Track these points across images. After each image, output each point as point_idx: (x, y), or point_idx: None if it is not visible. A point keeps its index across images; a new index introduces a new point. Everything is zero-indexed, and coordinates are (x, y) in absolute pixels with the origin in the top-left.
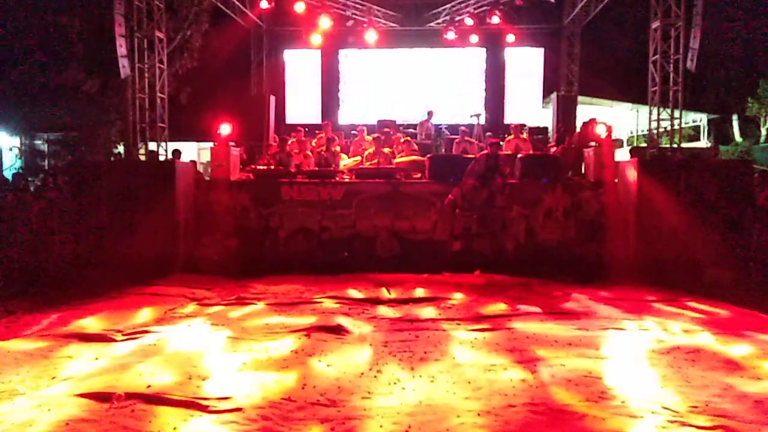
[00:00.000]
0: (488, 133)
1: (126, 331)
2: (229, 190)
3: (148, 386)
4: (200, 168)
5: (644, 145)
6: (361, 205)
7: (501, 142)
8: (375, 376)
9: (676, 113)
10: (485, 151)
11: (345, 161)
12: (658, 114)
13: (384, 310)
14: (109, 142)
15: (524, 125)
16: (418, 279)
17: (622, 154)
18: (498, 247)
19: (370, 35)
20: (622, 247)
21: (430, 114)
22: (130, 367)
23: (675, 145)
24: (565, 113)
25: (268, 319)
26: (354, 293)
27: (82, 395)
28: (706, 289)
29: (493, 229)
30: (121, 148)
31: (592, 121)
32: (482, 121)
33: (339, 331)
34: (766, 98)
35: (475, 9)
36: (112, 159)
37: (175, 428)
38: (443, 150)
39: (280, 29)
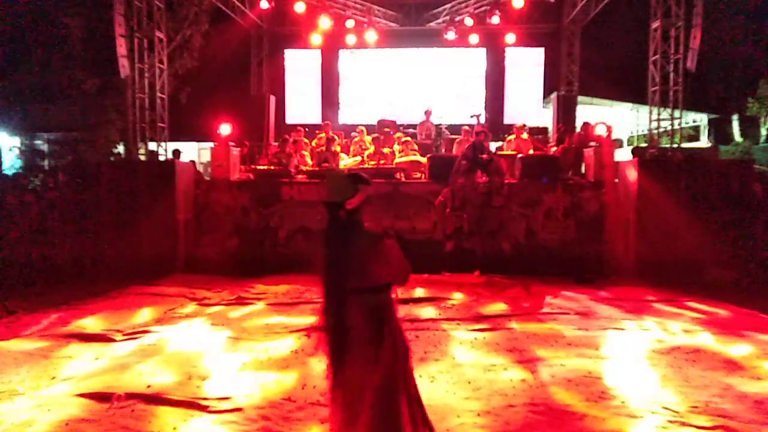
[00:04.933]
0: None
1: (126, 331)
2: (229, 190)
3: (148, 386)
4: (200, 168)
5: (644, 145)
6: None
7: (487, 132)
8: None
9: (676, 113)
10: (469, 143)
11: (345, 161)
12: (658, 114)
13: None
14: (109, 142)
15: (524, 125)
16: (418, 279)
17: (623, 154)
18: (495, 247)
19: (370, 35)
20: (622, 247)
21: (428, 113)
22: (130, 367)
23: (675, 145)
24: (565, 113)
25: (268, 319)
26: None
27: (82, 395)
28: (706, 289)
29: (490, 229)
30: (121, 148)
31: (590, 125)
32: (482, 121)
33: None
34: (766, 98)
35: (475, 9)
36: (112, 159)
37: (175, 428)
38: (443, 150)
39: (280, 29)
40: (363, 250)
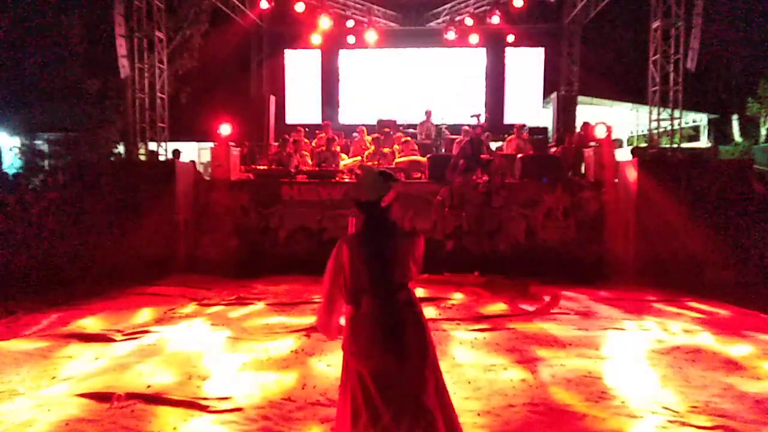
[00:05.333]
0: (486, 133)
1: (126, 331)
2: (229, 190)
3: (148, 386)
4: (200, 168)
5: (644, 145)
6: None
7: (485, 126)
8: None
9: (676, 113)
10: (466, 139)
11: (345, 161)
12: (658, 114)
13: None
14: (109, 142)
15: (524, 125)
16: (418, 279)
17: (622, 154)
18: (494, 248)
19: (370, 35)
20: (622, 247)
21: (428, 114)
22: (130, 367)
23: (675, 145)
24: (565, 113)
25: (268, 319)
26: None
27: (82, 395)
28: (706, 289)
29: (489, 229)
30: (121, 148)
31: (590, 125)
32: (482, 120)
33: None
34: (766, 98)
35: (475, 9)
36: (112, 159)
37: (175, 428)
38: (443, 150)
39: (280, 29)
40: (402, 246)
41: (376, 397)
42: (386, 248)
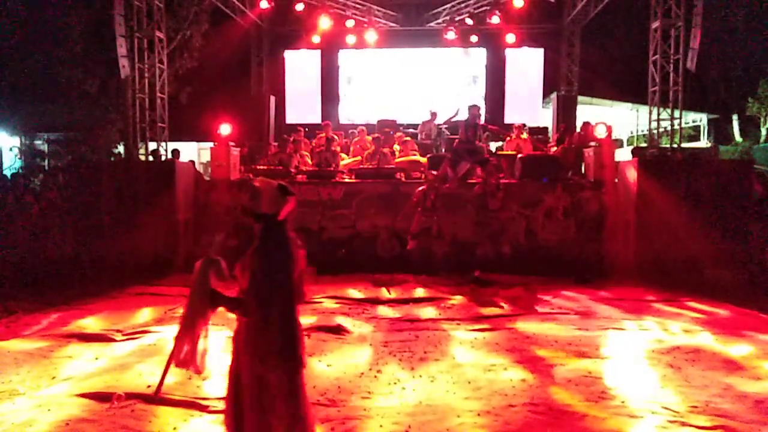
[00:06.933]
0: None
1: (126, 331)
2: (229, 190)
3: (148, 386)
4: (200, 168)
5: (644, 145)
6: (361, 205)
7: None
8: (375, 376)
9: (676, 113)
10: (463, 120)
11: (345, 161)
12: (658, 114)
13: (384, 310)
14: (109, 142)
15: (524, 125)
16: (418, 279)
17: (623, 154)
18: (498, 250)
19: (370, 35)
20: (622, 247)
21: (433, 115)
22: (130, 367)
23: (675, 145)
24: (565, 113)
25: None
26: (354, 293)
27: (82, 395)
28: (706, 289)
29: (492, 231)
30: (121, 148)
31: (590, 125)
32: (462, 117)
33: (339, 331)
34: (766, 98)
35: (474, 9)
36: (112, 159)
37: (175, 428)
38: (443, 150)
39: (280, 29)
40: (296, 260)
41: (267, 400)
42: (285, 260)
